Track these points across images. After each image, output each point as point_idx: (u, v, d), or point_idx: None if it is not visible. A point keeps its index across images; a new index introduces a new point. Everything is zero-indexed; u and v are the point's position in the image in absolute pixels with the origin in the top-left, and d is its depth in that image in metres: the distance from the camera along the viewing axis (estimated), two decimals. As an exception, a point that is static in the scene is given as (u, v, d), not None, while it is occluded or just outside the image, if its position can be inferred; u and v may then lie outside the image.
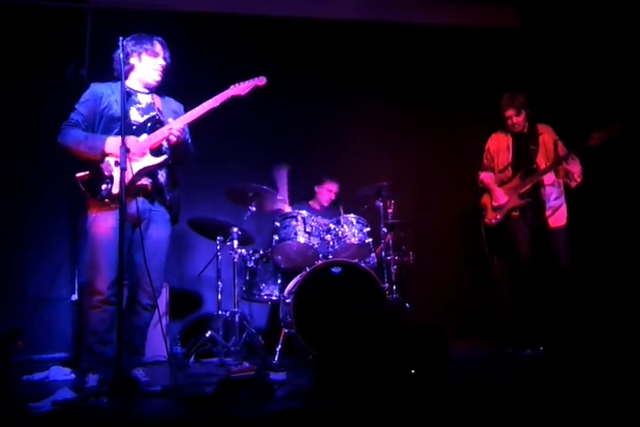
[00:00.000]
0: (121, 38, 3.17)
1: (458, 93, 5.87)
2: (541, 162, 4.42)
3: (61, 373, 3.84)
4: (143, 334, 3.38)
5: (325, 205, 5.24)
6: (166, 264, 3.49)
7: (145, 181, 3.28)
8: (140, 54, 3.42)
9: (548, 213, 4.35)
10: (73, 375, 3.86)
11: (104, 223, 3.17)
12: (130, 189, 3.13)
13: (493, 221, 4.54)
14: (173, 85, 3.65)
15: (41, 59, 5.04)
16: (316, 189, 5.27)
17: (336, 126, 5.66)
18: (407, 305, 4.74)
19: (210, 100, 3.36)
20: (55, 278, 4.87)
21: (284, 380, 3.39)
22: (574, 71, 5.40)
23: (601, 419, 2.48)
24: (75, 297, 4.79)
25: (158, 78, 3.47)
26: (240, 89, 3.39)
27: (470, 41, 5.98)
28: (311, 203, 5.28)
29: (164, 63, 3.47)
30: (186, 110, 3.53)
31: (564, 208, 4.43)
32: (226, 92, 3.39)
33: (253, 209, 4.56)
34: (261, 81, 3.43)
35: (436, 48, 5.95)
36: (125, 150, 3.01)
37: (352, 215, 4.61)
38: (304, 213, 4.56)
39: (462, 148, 5.78)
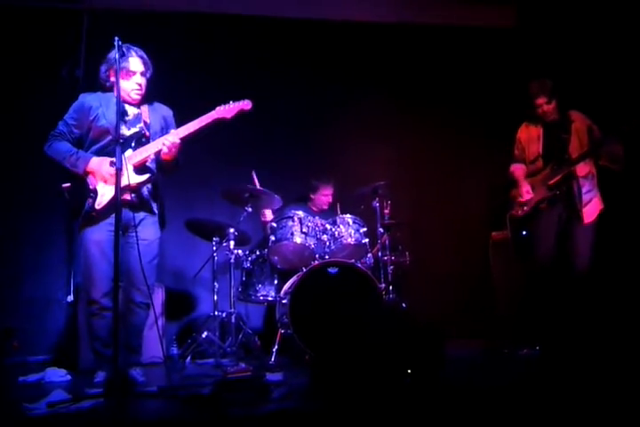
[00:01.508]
0: (117, 38, 3.16)
1: (455, 93, 5.87)
2: (574, 151, 4.15)
3: (57, 374, 3.82)
4: (139, 334, 3.45)
5: (325, 208, 5.19)
6: (159, 264, 3.57)
7: (127, 196, 3.29)
8: (116, 73, 3.32)
9: (579, 206, 4.13)
10: (68, 377, 3.85)
11: (92, 236, 3.28)
12: (114, 203, 3.17)
13: (520, 212, 4.33)
14: (169, 87, 3.66)
15: (36, 59, 5.03)
16: (312, 195, 5.19)
17: (332, 126, 5.64)
18: (403, 305, 4.73)
19: (195, 121, 3.40)
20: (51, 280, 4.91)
21: (280, 380, 3.39)
22: (571, 69, 5.41)
23: (597, 418, 2.48)
24: (70, 298, 4.77)
25: (137, 97, 3.45)
26: (225, 112, 3.43)
27: (467, 41, 5.98)
28: (309, 204, 5.26)
29: (140, 81, 3.42)
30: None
31: (594, 203, 4.17)
32: (211, 114, 3.42)
33: (250, 210, 4.55)
34: (247, 105, 3.47)
35: (432, 48, 5.96)
36: (121, 150, 3.02)
37: (348, 215, 4.60)
38: (300, 213, 4.54)
39: (460, 147, 5.79)
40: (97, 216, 3.26)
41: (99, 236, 3.24)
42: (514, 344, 4.25)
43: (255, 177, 4.81)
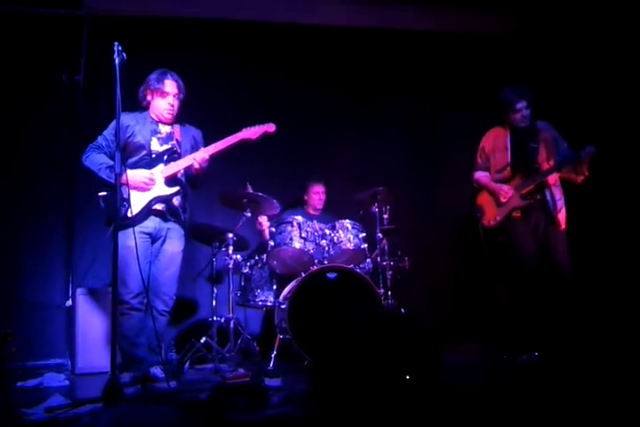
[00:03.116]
0: (116, 44, 3.21)
1: (454, 98, 5.89)
2: (542, 161, 4.24)
3: (55, 379, 3.83)
4: (159, 337, 3.64)
5: (319, 207, 5.21)
6: (180, 275, 3.86)
7: (158, 206, 3.70)
8: (152, 93, 3.78)
9: (554, 213, 4.19)
10: (67, 382, 3.85)
11: (124, 242, 3.44)
12: (145, 212, 3.63)
13: (492, 222, 4.36)
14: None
15: (36, 65, 5.04)
16: (305, 197, 5.22)
17: (331, 131, 5.67)
18: (402, 310, 4.72)
19: (223, 141, 3.80)
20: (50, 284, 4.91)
21: (278, 386, 3.38)
22: (569, 76, 5.44)
23: (597, 423, 2.48)
24: (69, 303, 4.76)
25: (168, 116, 3.81)
26: (251, 133, 3.87)
27: (467, 47, 6.01)
28: (305, 208, 5.27)
29: (172, 102, 3.78)
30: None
31: (564, 210, 4.24)
32: (238, 134, 3.85)
33: (249, 215, 4.55)
34: (271, 128, 3.92)
35: (432, 54, 5.98)
36: (120, 156, 3.18)
37: (347, 221, 4.60)
38: (299, 218, 4.54)
39: (458, 152, 5.78)
40: (130, 223, 3.54)
41: (131, 241, 3.45)
42: (513, 350, 4.24)
43: (250, 188, 4.76)
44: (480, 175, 4.53)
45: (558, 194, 4.26)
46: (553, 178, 4.25)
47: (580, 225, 4.45)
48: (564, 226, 4.22)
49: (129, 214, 3.54)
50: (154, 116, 3.84)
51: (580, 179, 4.22)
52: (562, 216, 4.23)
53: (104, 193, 3.57)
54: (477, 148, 4.58)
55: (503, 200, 4.29)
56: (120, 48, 3.21)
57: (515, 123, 4.33)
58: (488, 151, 4.47)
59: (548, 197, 4.23)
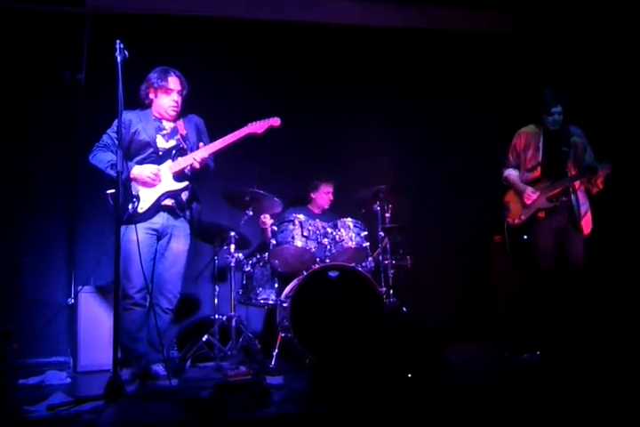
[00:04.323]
0: (118, 41, 3.21)
1: (456, 97, 5.87)
2: (571, 166, 4.28)
3: (57, 377, 3.83)
4: (162, 335, 3.67)
5: (326, 207, 5.20)
6: (185, 273, 3.85)
7: (168, 201, 3.72)
8: (155, 91, 3.76)
9: (578, 219, 4.21)
10: (69, 379, 3.86)
11: (131, 237, 3.50)
12: (155, 207, 3.65)
13: (517, 221, 4.35)
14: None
15: (38, 63, 5.04)
16: (312, 195, 5.19)
17: (332, 129, 5.66)
18: (404, 309, 4.73)
19: (229, 136, 3.78)
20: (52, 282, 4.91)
21: (280, 384, 3.39)
22: (569, 75, 5.43)
23: (597, 424, 2.47)
24: (71, 301, 4.76)
25: (173, 113, 3.80)
26: (257, 128, 3.83)
27: (469, 45, 6.01)
28: (309, 206, 5.26)
29: (176, 98, 3.77)
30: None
31: (589, 215, 4.26)
32: (244, 129, 3.81)
33: (251, 213, 4.55)
34: (276, 122, 3.88)
35: (434, 52, 5.98)
36: (122, 153, 3.19)
37: (349, 219, 4.59)
38: (301, 216, 4.54)
39: (461, 151, 5.79)
40: (139, 219, 3.58)
41: (136, 236, 3.47)
42: (515, 348, 4.24)
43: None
44: (510, 172, 4.51)
45: (583, 198, 4.27)
46: (578, 183, 4.27)
47: (596, 229, 4.40)
48: (587, 231, 4.22)
49: (139, 210, 3.58)
50: (156, 114, 3.82)
51: (594, 190, 4.26)
52: (586, 221, 4.23)
53: (112, 191, 3.54)
54: (509, 145, 4.52)
55: (527, 202, 4.30)
56: (122, 46, 3.20)
57: (546, 125, 4.34)
58: (520, 149, 4.45)
59: (574, 202, 4.24)
